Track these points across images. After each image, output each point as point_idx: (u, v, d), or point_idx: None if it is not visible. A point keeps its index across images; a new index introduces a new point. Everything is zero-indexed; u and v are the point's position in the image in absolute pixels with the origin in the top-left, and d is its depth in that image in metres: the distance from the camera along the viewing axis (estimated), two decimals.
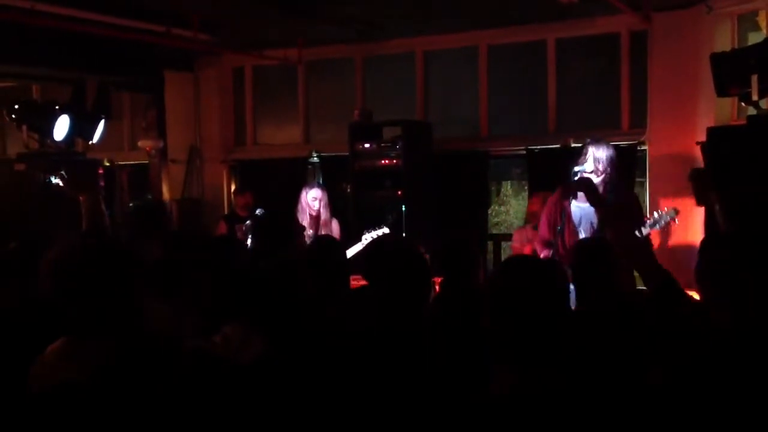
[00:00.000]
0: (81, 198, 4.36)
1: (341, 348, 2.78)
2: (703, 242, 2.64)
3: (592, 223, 5.12)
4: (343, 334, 3.03)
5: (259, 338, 2.87)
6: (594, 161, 5.08)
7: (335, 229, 6.74)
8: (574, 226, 5.16)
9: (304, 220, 6.55)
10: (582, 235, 5.14)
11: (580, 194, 5.14)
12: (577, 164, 5.14)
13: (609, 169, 5.10)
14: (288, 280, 3.17)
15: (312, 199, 6.69)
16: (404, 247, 3.42)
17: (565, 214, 5.15)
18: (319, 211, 6.69)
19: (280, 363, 2.61)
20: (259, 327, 2.92)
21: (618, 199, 5.09)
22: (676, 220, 4.92)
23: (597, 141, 5.18)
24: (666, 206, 5.14)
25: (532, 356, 2.14)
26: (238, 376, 2.47)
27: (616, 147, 7.18)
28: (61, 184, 4.78)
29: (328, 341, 2.89)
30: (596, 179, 5.10)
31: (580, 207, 5.17)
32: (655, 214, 4.97)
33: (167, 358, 2.34)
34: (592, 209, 5.09)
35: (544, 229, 5.37)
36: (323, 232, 6.50)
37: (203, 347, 2.71)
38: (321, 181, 8.79)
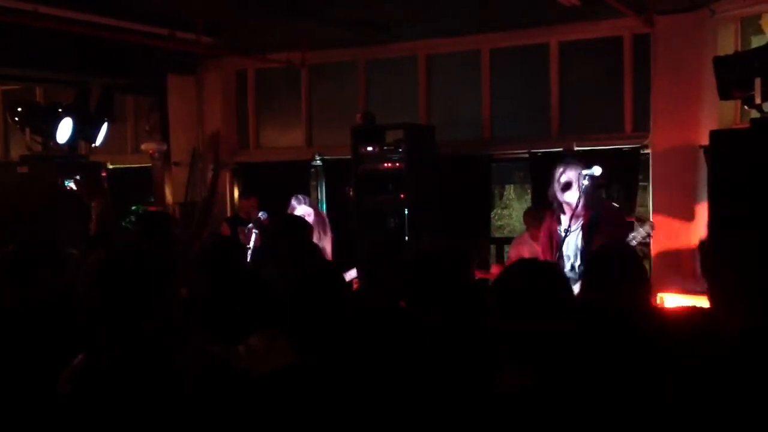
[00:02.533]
0: (93, 203, 4.43)
1: (356, 356, 2.78)
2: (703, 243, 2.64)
3: (577, 247, 5.06)
4: (355, 340, 3.01)
5: (287, 348, 2.84)
6: (567, 180, 5.02)
7: (328, 249, 6.53)
8: (561, 252, 5.09)
9: None
10: (569, 261, 5.08)
11: (564, 219, 5.09)
12: (551, 186, 5.07)
13: (586, 187, 4.98)
14: (316, 289, 3.14)
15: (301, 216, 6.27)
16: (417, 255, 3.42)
17: (553, 238, 5.12)
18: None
19: (304, 373, 2.58)
20: (287, 337, 2.89)
21: (599, 216, 5.03)
22: (651, 234, 4.88)
23: (568, 163, 5.10)
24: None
25: (542, 356, 2.15)
26: (254, 387, 2.46)
27: (618, 150, 7.28)
28: (75, 188, 4.84)
29: (346, 350, 2.87)
30: (573, 196, 5.00)
31: (566, 231, 5.09)
32: (633, 231, 4.92)
33: (175, 370, 2.33)
34: (578, 233, 5.04)
35: (543, 247, 5.33)
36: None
37: (217, 357, 2.70)
38: (323, 185, 8.78)
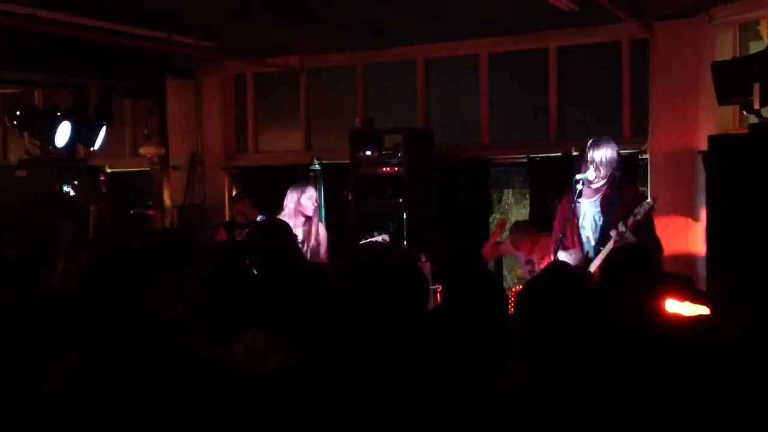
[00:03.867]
0: (91, 207, 4.43)
1: (353, 359, 2.77)
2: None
3: (595, 219, 5.14)
4: (350, 345, 3.01)
5: (284, 348, 2.83)
6: (594, 167, 5.08)
7: (322, 233, 6.51)
8: (577, 220, 5.19)
9: (295, 223, 6.14)
10: (584, 231, 5.16)
11: (586, 192, 5.16)
12: (578, 170, 5.15)
13: (611, 171, 5.10)
14: (313, 289, 3.14)
15: (307, 198, 6.28)
16: (398, 257, 3.43)
17: (573, 212, 5.18)
18: (313, 211, 6.33)
19: (302, 373, 2.58)
20: (282, 335, 2.88)
21: (621, 193, 5.10)
22: (654, 207, 4.91)
23: (597, 144, 5.17)
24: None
25: (545, 356, 2.16)
26: (254, 388, 2.45)
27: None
28: (72, 193, 4.84)
29: (342, 352, 2.86)
30: (599, 184, 5.11)
31: (584, 202, 5.20)
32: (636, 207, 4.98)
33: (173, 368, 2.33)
34: (596, 206, 5.12)
35: (557, 231, 5.39)
36: (313, 237, 6.23)
37: (214, 356, 2.69)
38: (321, 189, 8.78)
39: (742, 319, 2.42)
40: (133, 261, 2.48)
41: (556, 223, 5.43)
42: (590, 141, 5.24)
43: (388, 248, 6.11)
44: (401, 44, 8.24)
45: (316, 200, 6.40)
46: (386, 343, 2.84)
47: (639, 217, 4.85)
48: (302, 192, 6.34)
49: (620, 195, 5.10)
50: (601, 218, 5.10)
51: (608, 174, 5.10)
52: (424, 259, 6.22)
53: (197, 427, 2.29)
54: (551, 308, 2.23)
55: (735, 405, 2.00)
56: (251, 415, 2.33)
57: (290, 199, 6.33)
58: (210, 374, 2.42)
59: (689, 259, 6.60)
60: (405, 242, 7.46)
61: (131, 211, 9.02)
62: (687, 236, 6.75)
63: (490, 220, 8.73)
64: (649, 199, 4.96)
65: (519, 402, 2.12)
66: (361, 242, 6.16)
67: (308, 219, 6.25)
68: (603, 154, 5.11)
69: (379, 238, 6.11)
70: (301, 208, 6.28)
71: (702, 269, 6.22)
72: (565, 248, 5.23)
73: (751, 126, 5.02)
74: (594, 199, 5.17)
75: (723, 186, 5.02)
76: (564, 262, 4.94)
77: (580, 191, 5.17)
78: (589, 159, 5.14)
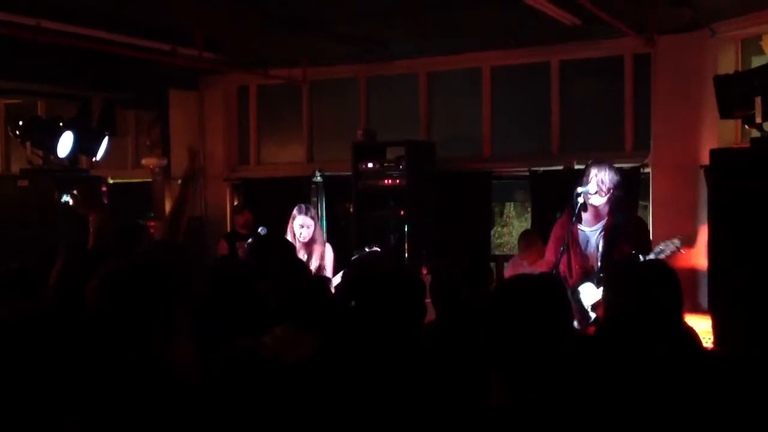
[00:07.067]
0: (90, 217, 4.43)
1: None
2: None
3: (597, 246, 5.10)
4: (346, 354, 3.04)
5: (310, 339, 2.90)
6: (597, 182, 5.07)
7: (328, 255, 6.43)
8: (580, 248, 5.15)
9: (297, 246, 6.17)
10: (586, 261, 5.12)
11: (586, 217, 5.13)
12: (580, 185, 5.13)
13: (614, 190, 5.08)
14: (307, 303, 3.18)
15: (299, 226, 6.24)
16: (392, 269, 3.47)
17: (572, 236, 5.13)
18: (310, 238, 6.26)
19: (329, 363, 2.63)
20: (309, 329, 2.95)
21: (625, 221, 5.07)
22: (682, 249, 4.87)
23: (599, 163, 5.17)
24: (671, 235, 5.12)
25: (528, 370, 2.14)
26: (285, 375, 2.50)
27: (619, 169, 7.27)
28: (71, 202, 4.85)
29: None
30: (601, 200, 5.09)
31: (585, 230, 5.16)
32: (660, 243, 4.93)
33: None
34: (597, 232, 5.08)
35: (550, 253, 5.34)
36: (315, 260, 6.20)
37: (251, 347, 2.74)
38: (323, 201, 8.77)
39: (744, 332, 2.42)
40: (161, 272, 2.48)
41: (550, 246, 5.38)
42: (591, 160, 5.25)
43: (382, 259, 6.12)
44: (404, 57, 8.26)
45: (309, 226, 6.29)
46: (383, 352, 2.85)
47: (662, 256, 4.81)
48: (293, 219, 6.31)
49: (622, 223, 5.06)
50: (604, 247, 5.06)
51: (609, 189, 5.07)
52: (425, 272, 6.19)
53: (232, 414, 2.32)
54: (519, 321, 2.21)
55: (733, 413, 2.00)
56: (283, 401, 2.37)
57: (290, 223, 6.34)
58: (243, 362, 2.47)
59: (691, 272, 6.58)
60: (406, 254, 7.46)
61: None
62: (688, 250, 6.73)
63: (492, 233, 8.73)
64: (676, 240, 4.88)
65: (502, 416, 2.12)
66: (354, 257, 6.12)
67: (305, 244, 6.22)
68: (605, 171, 5.10)
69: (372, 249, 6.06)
70: (293, 235, 6.25)
71: (704, 283, 6.20)
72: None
73: (753, 140, 5.01)
74: (596, 227, 5.12)
75: (725, 200, 5.00)
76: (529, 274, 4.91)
77: (581, 215, 5.13)
78: (590, 175, 5.12)
